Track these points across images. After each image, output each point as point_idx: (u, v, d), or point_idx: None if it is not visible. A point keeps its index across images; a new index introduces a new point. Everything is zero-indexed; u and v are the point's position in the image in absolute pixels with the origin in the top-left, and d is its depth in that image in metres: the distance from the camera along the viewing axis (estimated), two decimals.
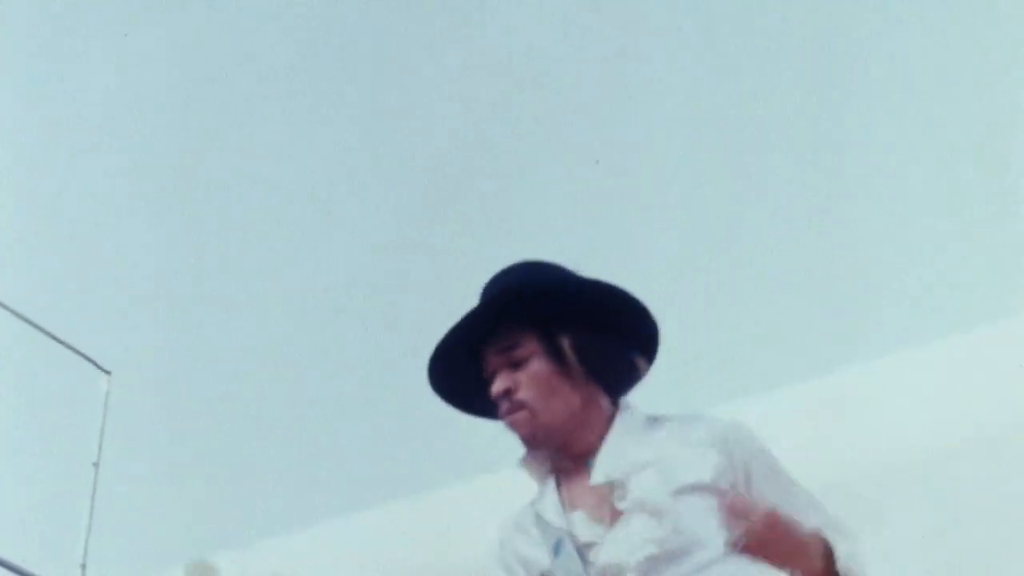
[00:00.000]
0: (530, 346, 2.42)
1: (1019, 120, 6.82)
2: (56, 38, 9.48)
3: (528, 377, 2.41)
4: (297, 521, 7.21)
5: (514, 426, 2.42)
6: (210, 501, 8.21)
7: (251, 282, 9.45)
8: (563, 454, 2.43)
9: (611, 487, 2.34)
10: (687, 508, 2.30)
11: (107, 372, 7.43)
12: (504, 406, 2.41)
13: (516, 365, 2.42)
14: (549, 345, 2.42)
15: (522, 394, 2.40)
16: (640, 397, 2.54)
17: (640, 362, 2.50)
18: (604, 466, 2.36)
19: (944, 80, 7.82)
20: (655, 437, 2.39)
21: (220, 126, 9.69)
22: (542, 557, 2.38)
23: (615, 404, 2.45)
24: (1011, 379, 4.73)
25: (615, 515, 2.32)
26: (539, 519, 2.41)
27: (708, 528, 2.30)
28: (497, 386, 2.42)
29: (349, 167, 9.53)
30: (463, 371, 2.49)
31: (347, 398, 8.63)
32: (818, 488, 4.66)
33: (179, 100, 9.65)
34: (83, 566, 6.83)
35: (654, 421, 2.44)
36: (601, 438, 2.40)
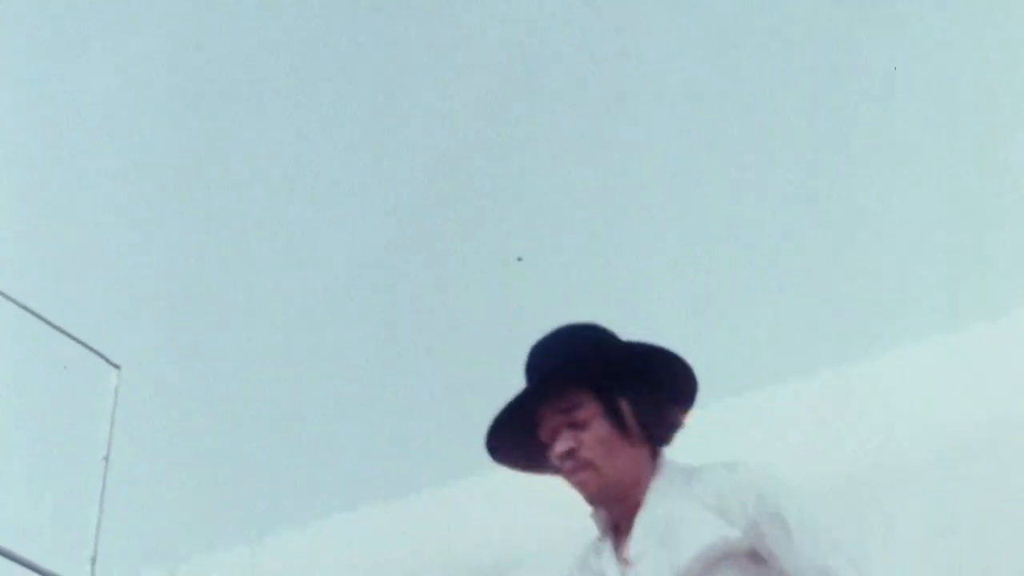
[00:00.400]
0: (590, 407, 2.56)
1: None
2: (56, 32, 9.50)
3: (591, 437, 2.54)
4: (306, 516, 7.23)
5: (580, 484, 2.56)
6: (219, 495, 8.24)
7: (259, 278, 9.48)
8: (619, 509, 2.58)
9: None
10: None
11: (117, 366, 7.46)
12: (568, 465, 2.55)
13: (577, 426, 2.55)
14: (608, 408, 2.56)
15: (586, 453, 2.54)
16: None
17: (682, 416, 2.65)
18: (634, 545, 2.52)
19: (948, 73, 7.80)
20: (680, 504, 2.52)
21: (225, 120, 9.71)
22: None
23: (657, 458, 2.61)
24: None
25: None
26: (599, 562, 2.58)
27: None
28: (561, 446, 2.55)
29: (353, 162, 9.54)
30: (517, 432, 2.62)
31: (355, 395, 8.64)
32: (827, 482, 4.67)
33: (185, 97, 9.66)
34: (93, 560, 6.86)
35: (688, 476, 2.57)
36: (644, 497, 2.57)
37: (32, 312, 7.15)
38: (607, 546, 2.58)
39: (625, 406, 2.55)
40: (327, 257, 9.35)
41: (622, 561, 2.53)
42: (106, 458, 7.13)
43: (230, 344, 9.25)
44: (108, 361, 7.45)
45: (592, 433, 2.54)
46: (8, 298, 7.05)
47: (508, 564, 5.41)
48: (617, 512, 2.58)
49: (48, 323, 7.20)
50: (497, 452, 2.65)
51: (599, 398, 2.56)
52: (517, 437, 2.62)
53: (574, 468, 2.54)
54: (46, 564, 6.75)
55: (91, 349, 7.41)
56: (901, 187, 7.77)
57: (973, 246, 6.99)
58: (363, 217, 9.24)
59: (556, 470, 2.62)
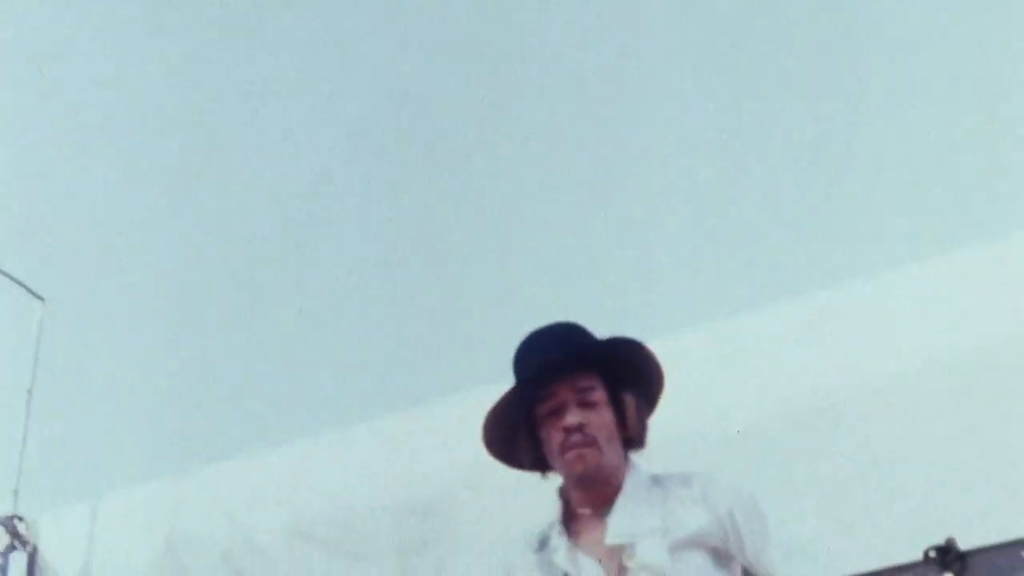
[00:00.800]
0: (601, 392, 2.71)
1: None
2: None
3: (599, 419, 2.69)
4: (231, 450, 7.19)
5: (579, 459, 2.68)
6: (144, 428, 8.19)
7: (190, 205, 9.38)
8: (590, 498, 2.71)
9: (621, 547, 2.62)
10: (685, 566, 2.58)
11: (41, 298, 7.34)
12: (576, 438, 2.67)
13: (587, 405, 2.70)
14: (614, 398, 2.72)
15: (594, 432, 2.68)
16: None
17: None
18: (617, 528, 2.65)
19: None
20: (658, 498, 2.68)
21: (161, 45, 9.56)
22: None
23: (627, 459, 2.76)
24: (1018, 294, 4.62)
25: (622, 571, 2.61)
26: (543, 554, 2.70)
27: None
28: (571, 419, 2.67)
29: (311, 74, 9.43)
30: (508, 415, 2.73)
31: (284, 328, 8.61)
32: (810, 407, 4.65)
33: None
34: (15, 492, 6.80)
35: (655, 480, 2.73)
36: (617, 491, 2.69)
37: None
38: (563, 542, 2.68)
39: (630, 401, 2.72)
40: (261, 190, 9.27)
41: (574, 548, 2.66)
42: (30, 391, 7.04)
43: (157, 276, 9.16)
44: (32, 293, 7.33)
45: (600, 415, 2.68)
46: None
47: (439, 499, 5.42)
48: (586, 499, 2.70)
49: None
50: (487, 430, 2.75)
51: (607, 388, 2.71)
52: (503, 420, 2.73)
53: (580, 442, 2.66)
54: None
55: (15, 280, 7.29)
56: (907, 103, 7.74)
57: (966, 169, 7.01)
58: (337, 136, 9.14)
59: (532, 459, 2.75)
